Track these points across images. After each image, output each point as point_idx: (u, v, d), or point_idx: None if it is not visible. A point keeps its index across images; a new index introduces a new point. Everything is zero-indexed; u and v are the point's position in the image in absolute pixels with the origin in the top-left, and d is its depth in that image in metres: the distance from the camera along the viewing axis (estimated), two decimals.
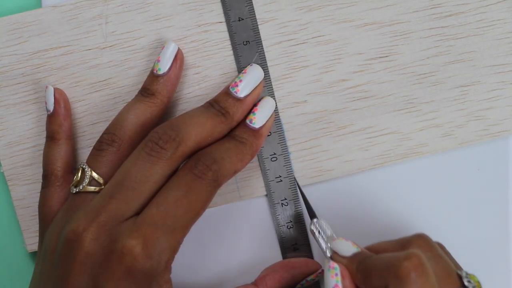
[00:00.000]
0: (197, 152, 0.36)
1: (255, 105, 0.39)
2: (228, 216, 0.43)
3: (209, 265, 0.43)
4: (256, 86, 0.39)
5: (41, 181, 0.39)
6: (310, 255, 0.42)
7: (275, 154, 0.41)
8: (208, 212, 0.37)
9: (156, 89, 0.39)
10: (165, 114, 0.41)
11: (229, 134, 0.38)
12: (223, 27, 0.41)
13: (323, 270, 0.41)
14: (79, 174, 0.37)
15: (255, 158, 0.42)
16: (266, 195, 0.42)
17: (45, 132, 0.41)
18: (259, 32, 0.41)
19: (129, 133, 0.37)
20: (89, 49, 0.41)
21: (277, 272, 0.40)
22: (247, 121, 0.39)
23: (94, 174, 0.36)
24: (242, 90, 0.38)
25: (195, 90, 0.42)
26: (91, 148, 0.38)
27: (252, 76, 0.39)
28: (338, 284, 0.34)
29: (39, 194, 0.40)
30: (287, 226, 0.42)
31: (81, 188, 0.36)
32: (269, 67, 0.41)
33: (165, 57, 0.39)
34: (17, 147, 0.42)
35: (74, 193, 0.37)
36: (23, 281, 0.43)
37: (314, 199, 0.42)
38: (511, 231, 0.43)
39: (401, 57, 0.41)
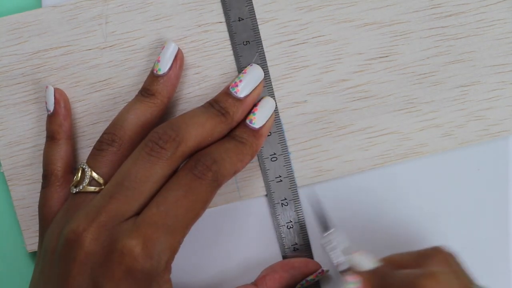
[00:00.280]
0: (197, 152, 0.36)
1: (255, 105, 0.39)
2: (228, 216, 0.43)
3: (209, 265, 0.43)
4: (256, 86, 0.39)
5: (41, 181, 0.39)
6: (310, 255, 0.42)
7: (275, 154, 0.41)
8: (208, 212, 0.37)
9: (156, 89, 0.39)
10: (165, 114, 0.41)
11: (229, 134, 0.38)
12: (223, 27, 0.41)
13: (323, 270, 0.41)
14: (79, 174, 0.37)
15: (255, 158, 0.42)
16: (266, 195, 0.42)
17: (45, 132, 0.41)
18: (259, 32, 0.41)
19: (129, 133, 0.37)
20: (89, 49, 0.41)
21: (277, 272, 0.40)
22: (247, 121, 0.39)
23: (94, 174, 0.36)
24: (242, 90, 0.38)
25: (195, 90, 0.42)
26: (91, 148, 0.38)
27: (252, 76, 0.39)
28: None
29: (39, 194, 0.40)
30: (287, 226, 0.42)
31: (81, 188, 0.36)
32: (269, 67, 0.41)
33: (165, 57, 0.39)
34: (17, 147, 0.42)
35: (74, 193, 0.37)
36: (23, 281, 0.43)
37: (314, 201, 0.42)
38: (511, 231, 0.43)
39: (401, 57, 0.41)
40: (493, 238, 0.42)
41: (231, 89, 0.38)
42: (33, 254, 0.44)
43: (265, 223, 0.43)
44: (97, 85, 0.42)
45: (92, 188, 0.36)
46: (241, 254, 0.43)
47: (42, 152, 0.40)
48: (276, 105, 0.41)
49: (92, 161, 0.37)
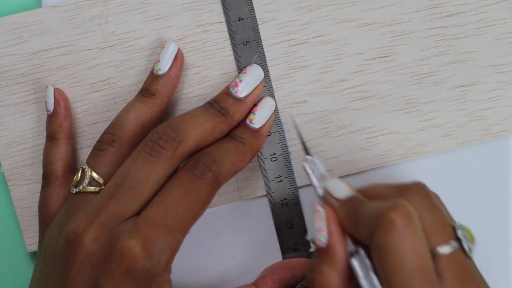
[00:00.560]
0: (197, 152, 0.36)
1: (255, 105, 0.39)
2: (228, 216, 0.43)
3: (209, 265, 0.43)
4: (256, 86, 0.39)
5: (41, 181, 0.39)
6: (310, 255, 0.42)
7: (275, 154, 0.41)
8: (208, 212, 0.37)
9: (156, 89, 0.39)
10: (165, 114, 0.41)
11: (229, 134, 0.38)
12: (223, 27, 0.41)
13: None
14: (79, 174, 0.37)
15: (255, 158, 0.42)
16: (266, 195, 0.42)
17: (45, 132, 0.41)
18: (259, 32, 0.41)
19: (129, 133, 0.37)
20: (89, 49, 0.41)
21: (277, 272, 0.40)
22: (247, 121, 0.39)
23: (94, 174, 0.37)
24: (242, 90, 0.38)
25: (195, 90, 0.42)
26: (91, 148, 0.38)
27: (252, 76, 0.39)
28: (322, 227, 0.33)
29: (39, 194, 0.40)
30: (287, 226, 0.42)
31: (81, 188, 0.36)
32: (269, 67, 0.41)
33: (165, 57, 0.39)
34: (17, 147, 0.42)
35: (74, 193, 0.37)
36: (23, 281, 0.43)
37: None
38: (511, 231, 0.43)
39: (401, 57, 0.41)
40: (493, 238, 0.42)
41: (231, 89, 0.38)
42: (33, 254, 0.44)
43: (265, 223, 0.43)
44: (97, 85, 0.42)
45: (92, 188, 0.36)
46: (241, 254, 0.43)
47: (42, 152, 0.40)
48: (276, 105, 0.41)
49: (92, 161, 0.37)
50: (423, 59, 0.41)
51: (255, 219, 0.43)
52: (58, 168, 0.39)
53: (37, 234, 0.41)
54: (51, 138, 0.40)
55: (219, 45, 0.41)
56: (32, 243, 0.42)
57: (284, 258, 0.42)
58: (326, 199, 0.35)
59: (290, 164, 0.42)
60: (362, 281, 0.31)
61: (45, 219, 0.38)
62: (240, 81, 0.39)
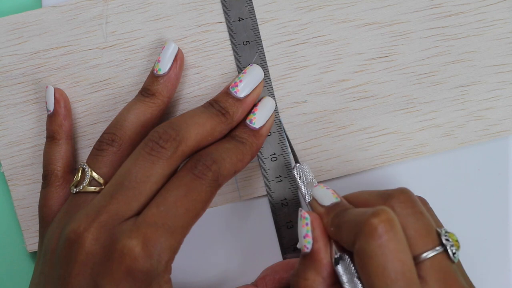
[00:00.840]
0: (197, 152, 0.36)
1: (255, 105, 0.39)
2: (228, 216, 0.43)
3: (209, 265, 0.43)
4: (256, 86, 0.39)
5: (41, 181, 0.39)
6: None
7: (275, 154, 0.42)
8: (208, 212, 0.37)
9: (157, 89, 0.39)
10: (165, 114, 0.41)
11: (229, 134, 0.38)
12: (223, 27, 0.41)
13: None
14: (79, 174, 0.37)
15: (255, 158, 0.42)
16: (266, 195, 0.42)
17: (45, 132, 0.41)
18: (259, 32, 0.41)
19: (129, 133, 0.37)
20: (89, 49, 0.41)
21: (277, 272, 0.40)
22: (247, 121, 0.39)
23: (94, 174, 0.37)
24: (242, 90, 0.38)
25: (195, 90, 0.42)
26: (91, 148, 0.38)
27: (252, 76, 0.39)
28: (308, 233, 0.34)
29: (39, 194, 0.40)
30: (287, 226, 0.42)
31: (81, 188, 0.36)
32: (269, 67, 0.41)
33: (165, 57, 0.39)
34: (17, 147, 0.42)
35: (74, 193, 0.37)
36: (23, 281, 0.43)
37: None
38: (511, 231, 0.43)
39: (401, 57, 0.41)
40: (493, 238, 0.42)
41: (231, 89, 0.38)
42: (33, 254, 0.44)
43: (265, 223, 0.43)
44: (97, 85, 0.42)
45: (92, 188, 0.36)
46: (241, 254, 0.43)
47: (42, 152, 0.40)
48: (276, 105, 0.41)
49: (92, 161, 0.37)
50: (423, 59, 0.41)
51: (255, 219, 0.43)
52: (58, 168, 0.39)
53: (37, 234, 0.41)
54: (51, 138, 0.40)
55: (219, 45, 0.41)
56: (32, 243, 0.42)
57: (284, 258, 0.42)
58: (312, 205, 0.35)
59: (290, 164, 0.42)
60: (347, 287, 0.32)
61: (45, 219, 0.38)
62: (240, 81, 0.39)
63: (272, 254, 0.43)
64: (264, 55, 0.41)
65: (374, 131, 0.42)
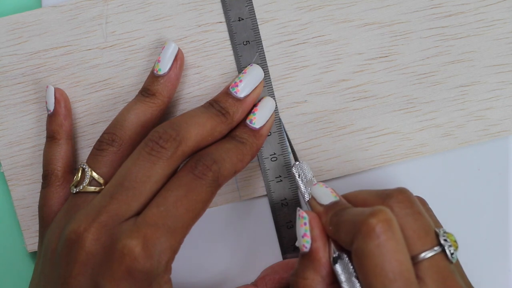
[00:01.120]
0: (197, 152, 0.36)
1: (255, 105, 0.39)
2: (228, 216, 0.43)
3: (209, 265, 0.43)
4: (256, 86, 0.39)
5: (41, 181, 0.39)
6: None
7: (275, 154, 0.42)
8: (208, 212, 0.37)
9: (157, 89, 0.39)
10: (165, 114, 0.41)
11: (229, 134, 0.38)
12: (223, 27, 0.41)
13: None
14: (79, 174, 0.37)
15: (255, 158, 0.42)
16: (266, 195, 0.42)
17: (45, 132, 0.41)
18: (259, 32, 0.41)
19: (129, 133, 0.37)
20: (89, 49, 0.41)
21: (277, 272, 0.40)
22: (247, 121, 0.39)
23: (94, 174, 0.37)
24: (242, 90, 0.38)
25: (195, 90, 0.42)
26: (91, 148, 0.38)
27: (252, 76, 0.39)
28: (306, 233, 0.34)
29: (39, 194, 0.40)
30: (287, 226, 0.42)
31: (81, 188, 0.36)
32: (269, 67, 0.41)
33: (166, 58, 0.39)
34: (17, 147, 0.42)
35: (74, 193, 0.37)
36: (23, 281, 0.43)
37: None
38: (511, 231, 0.43)
39: (401, 57, 0.41)
40: (493, 237, 0.42)
41: (231, 89, 0.38)
42: (33, 254, 0.44)
43: (265, 223, 0.43)
44: (97, 85, 0.42)
45: (92, 188, 0.36)
46: (241, 254, 0.43)
47: (42, 152, 0.40)
48: (276, 105, 0.41)
49: (92, 161, 0.37)
50: (423, 59, 0.41)
51: (255, 219, 0.43)
52: (58, 168, 0.39)
53: (37, 234, 0.41)
54: (51, 138, 0.40)
55: (219, 45, 0.41)
56: (32, 243, 0.42)
57: (284, 258, 0.42)
58: (311, 204, 0.35)
59: (290, 164, 0.42)
60: (345, 286, 0.32)
61: (45, 219, 0.38)
62: (240, 81, 0.39)
63: (272, 254, 0.43)
64: (264, 55, 0.41)
65: (374, 131, 0.42)
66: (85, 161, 0.37)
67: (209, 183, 0.35)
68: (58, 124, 0.40)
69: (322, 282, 0.33)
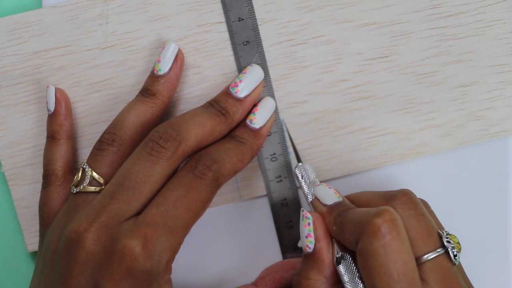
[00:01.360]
0: (197, 152, 0.36)
1: (255, 105, 0.39)
2: (228, 216, 0.43)
3: (209, 265, 0.43)
4: (256, 86, 0.39)
5: (42, 181, 0.39)
6: None
7: (275, 154, 0.42)
8: (208, 212, 0.37)
9: (157, 89, 0.39)
10: (166, 114, 0.41)
11: (229, 134, 0.38)
12: (223, 27, 0.41)
13: None
14: (80, 174, 0.37)
15: (255, 158, 0.42)
16: (266, 195, 0.42)
17: (45, 132, 0.41)
18: (259, 32, 0.41)
19: (130, 133, 0.37)
20: (90, 49, 0.41)
21: (277, 272, 0.40)
22: (247, 121, 0.39)
23: (95, 174, 0.37)
24: (242, 90, 0.39)
25: (195, 90, 0.42)
26: (91, 148, 0.38)
27: (252, 76, 0.39)
28: (310, 233, 0.34)
29: (39, 194, 0.40)
30: (287, 226, 0.42)
31: (81, 188, 0.36)
32: (269, 67, 0.41)
33: (166, 58, 0.39)
34: (17, 147, 0.42)
35: (75, 193, 0.37)
36: (23, 281, 0.43)
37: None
38: (511, 231, 0.43)
39: (401, 57, 0.41)
40: (493, 237, 0.42)
41: (231, 89, 0.38)
42: (33, 254, 0.44)
43: (265, 223, 0.43)
44: (97, 85, 0.42)
45: (92, 188, 0.36)
46: (241, 254, 0.43)
47: (42, 152, 0.40)
48: (276, 105, 0.41)
49: (93, 161, 0.37)
50: (423, 59, 0.41)
51: (255, 219, 0.43)
52: (59, 168, 0.39)
53: (37, 234, 0.41)
54: (51, 138, 0.40)
55: (219, 45, 0.41)
56: (32, 243, 0.42)
57: (284, 258, 0.42)
58: (315, 205, 0.35)
59: (290, 164, 0.42)
60: (348, 286, 0.32)
61: (45, 219, 0.38)
62: (240, 81, 0.39)
63: (272, 254, 0.43)
64: (264, 55, 0.41)
65: (374, 131, 0.42)
66: (85, 161, 0.37)
67: (209, 183, 0.35)
68: (58, 124, 0.40)
69: (326, 283, 0.33)
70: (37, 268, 0.36)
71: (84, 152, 0.42)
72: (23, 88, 0.42)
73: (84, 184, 0.36)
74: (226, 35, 0.41)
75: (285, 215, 0.42)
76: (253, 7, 0.41)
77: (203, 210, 0.35)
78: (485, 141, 0.42)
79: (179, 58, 0.39)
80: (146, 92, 0.39)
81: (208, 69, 0.41)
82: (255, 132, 0.38)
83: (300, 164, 0.38)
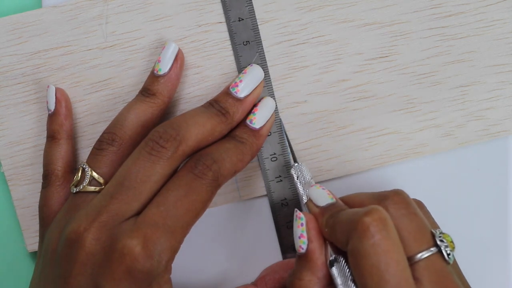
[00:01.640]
0: (197, 152, 0.36)
1: (255, 105, 0.39)
2: (228, 216, 0.43)
3: (209, 265, 0.43)
4: (256, 86, 0.39)
5: (41, 181, 0.39)
6: None
7: (275, 154, 0.42)
8: (208, 212, 0.37)
9: (157, 89, 0.39)
10: (166, 114, 0.41)
11: (229, 134, 0.38)
12: (223, 27, 0.41)
13: None
14: (80, 174, 0.37)
15: (255, 158, 0.42)
16: (266, 195, 0.42)
17: (45, 132, 0.41)
18: (259, 32, 0.41)
19: (130, 133, 0.37)
20: (90, 49, 0.41)
21: (277, 272, 0.40)
22: (247, 121, 0.39)
23: (95, 174, 0.37)
24: (242, 90, 0.39)
25: (195, 90, 0.42)
26: (91, 148, 0.38)
27: (252, 76, 0.39)
28: (303, 234, 0.34)
29: (39, 194, 0.40)
30: (287, 226, 0.42)
31: (81, 188, 0.36)
32: (269, 67, 0.41)
33: (166, 58, 0.39)
34: (17, 147, 0.42)
35: (75, 193, 0.37)
36: (23, 281, 0.43)
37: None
38: (511, 231, 0.43)
39: (401, 57, 0.41)
40: (493, 237, 0.42)
41: (231, 89, 0.38)
42: (33, 254, 0.44)
43: (265, 223, 0.43)
44: (97, 85, 0.42)
45: (92, 188, 0.36)
46: (241, 254, 0.43)
47: (42, 152, 0.40)
48: (276, 105, 0.41)
49: (92, 161, 0.37)
50: (423, 59, 0.41)
51: (255, 219, 0.43)
52: (59, 168, 0.39)
53: (37, 234, 0.41)
54: (51, 137, 0.40)
55: (219, 45, 0.41)
56: (32, 243, 0.42)
57: (284, 258, 0.42)
58: (308, 206, 0.35)
59: (290, 164, 0.42)
60: None
61: (45, 219, 0.38)
62: (240, 81, 0.39)
63: (272, 254, 0.43)
64: (264, 55, 0.41)
65: (374, 131, 0.42)
66: (85, 161, 0.37)
67: (209, 182, 0.35)
68: (58, 124, 0.40)
69: (319, 283, 0.33)
70: (37, 268, 0.36)
71: (84, 152, 0.42)
72: (23, 88, 0.42)
73: (84, 184, 0.36)
74: (226, 35, 0.41)
75: (285, 215, 0.42)
76: (253, 7, 0.41)
77: (203, 210, 0.35)
78: (485, 141, 0.42)
79: (179, 58, 0.39)
80: (146, 92, 0.39)
81: (208, 69, 0.41)
82: (255, 132, 0.38)
83: (296, 164, 0.38)
